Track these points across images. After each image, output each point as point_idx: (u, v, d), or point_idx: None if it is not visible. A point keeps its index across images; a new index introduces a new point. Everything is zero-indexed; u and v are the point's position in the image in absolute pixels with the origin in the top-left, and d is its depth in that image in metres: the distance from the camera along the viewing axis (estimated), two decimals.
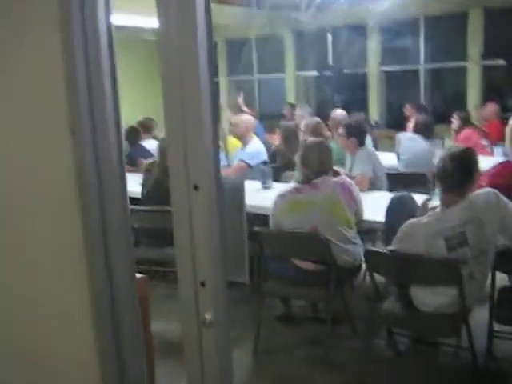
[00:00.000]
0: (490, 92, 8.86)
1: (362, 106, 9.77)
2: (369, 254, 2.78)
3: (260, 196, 4.33)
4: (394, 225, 2.92)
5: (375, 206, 3.64)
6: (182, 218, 1.31)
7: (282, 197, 3.18)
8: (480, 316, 2.90)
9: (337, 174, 3.47)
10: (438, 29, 9.15)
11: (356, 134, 4.38)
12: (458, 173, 2.53)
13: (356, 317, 3.43)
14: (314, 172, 3.18)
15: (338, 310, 3.30)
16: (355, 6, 9.25)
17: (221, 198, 1.27)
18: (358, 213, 3.24)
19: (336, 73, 9.96)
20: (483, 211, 2.51)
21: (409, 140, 5.44)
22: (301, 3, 8.31)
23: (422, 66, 9.49)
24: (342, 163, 4.79)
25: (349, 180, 3.29)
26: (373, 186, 4.28)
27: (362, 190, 4.09)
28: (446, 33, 9.16)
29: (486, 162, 5.56)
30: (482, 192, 2.58)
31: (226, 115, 8.40)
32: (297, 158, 3.37)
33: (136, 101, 11.93)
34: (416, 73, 9.60)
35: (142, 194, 4.35)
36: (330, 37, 10.34)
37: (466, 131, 6.47)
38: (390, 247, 2.68)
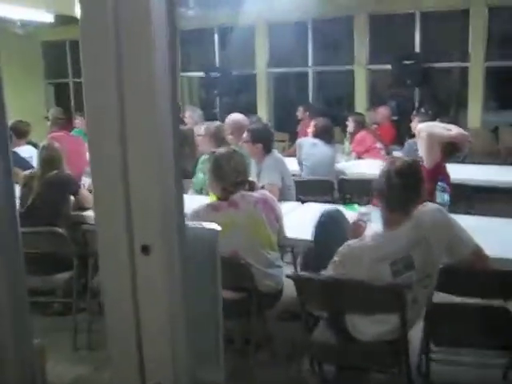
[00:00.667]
0: (377, 95, 9.01)
1: (250, 108, 9.54)
2: (298, 280, 2.43)
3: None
4: (325, 245, 2.61)
5: (292, 219, 3.33)
6: (121, 299, 0.82)
7: (195, 217, 2.76)
8: (414, 337, 2.67)
9: (252, 185, 3.10)
10: (326, 32, 9.15)
11: (263, 139, 4.04)
12: (406, 190, 2.25)
13: (278, 342, 3.10)
14: (232, 185, 2.79)
15: (258, 335, 2.95)
16: (244, 5, 9.01)
17: (183, 262, 0.82)
18: (280, 232, 2.90)
19: (223, 74, 9.64)
20: (430, 231, 2.26)
21: (311, 146, 5.21)
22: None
23: (311, 69, 9.43)
24: None
25: (270, 195, 2.93)
26: (282, 196, 3.96)
27: None
28: (334, 36, 9.20)
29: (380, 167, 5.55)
30: (428, 209, 2.32)
31: None
32: (206, 171, 2.94)
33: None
34: (305, 75, 9.53)
35: (20, 212, 3.70)
36: (216, 36, 10.01)
37: (362, 134, 6.42)
38: (326, 272, 2.35)
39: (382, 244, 2.24)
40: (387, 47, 8.86)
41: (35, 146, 6.38)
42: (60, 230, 3.34)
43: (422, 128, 3.81)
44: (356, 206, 3.68)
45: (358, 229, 2.59)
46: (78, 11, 0.84)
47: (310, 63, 9.40)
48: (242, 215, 2.72)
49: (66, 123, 7.02)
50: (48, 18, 7.91)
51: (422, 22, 8.44)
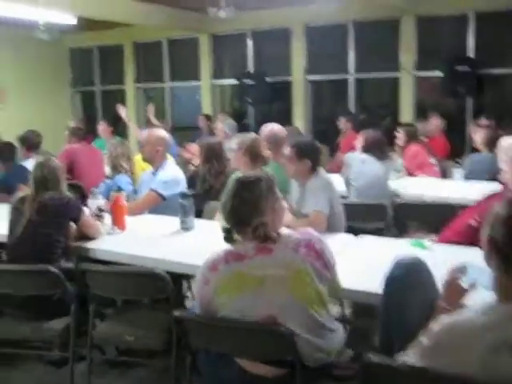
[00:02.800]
0: (425, 105, 8.19)
1: (285, 118, 8.83)
2: (372, 368, 1.65)
3: (178, 243, 3.18)
4: (400, 311, 1.86)
5: (343, 261, 2.58)
6: None
7: (212, 268, 2.02)
8: None
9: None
10: (368, 35, 8.40)
11: (310, 155, 3.29)
12: None
13: None
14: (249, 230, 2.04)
15: None
16: (280, 8, 8.35)
17: None
18: (333, 282, 2.14)
19: (257, 81, 8.96)
20: None
21: (360, 162, 4.45)
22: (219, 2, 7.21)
23: (352, 76, 8.66)
24: (284, 191, 3.71)
25: (317, 235, 2.16)
26: (330, 226, 3.21)
27: None
28: (378, 40, 8.43)
29: (440, 187, 4.77)
30: None
31: (133, 130, 7.12)
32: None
33: (20, 109, 10.47)
34: (344, 82, 8.77)
35: (10, 240, 3.04)
36: (250, 41, 9.34)
37: (413, 148, 5.64)
38: (407, 357, 1.60)
39: (500, 322, 1.47)
40: (436, 52, 8.04)
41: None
42: (53, 269, 2.66)
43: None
44: (425, 242, 2.91)
45: (455, 293, 1.82)
46: None
47: (350, 70, 8.64)
48: (278, 265, 1.97)
49: (85, 134, 6.41)
50: (71, 20, 7.37)
51: (476, 23, 7.63)
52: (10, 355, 2.99)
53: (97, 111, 11.46)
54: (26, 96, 10.56)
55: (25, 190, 4.02)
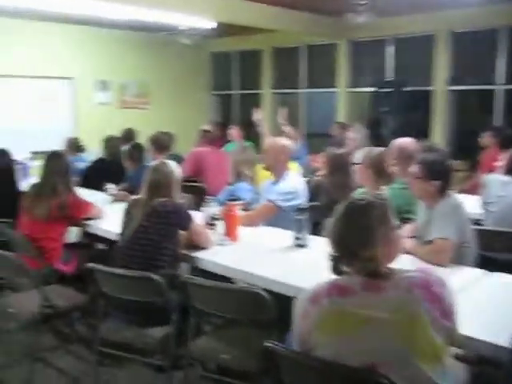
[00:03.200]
0: None
1: (422, 130, 8.33)
2: None
3: (289, 261, 3.00)
4: None
5: (469, 301, 2.25)
6: None
7: (313, 301, 1.80)
8: None
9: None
10: None
11: (440, 176, 2.95)
12: None
13: None
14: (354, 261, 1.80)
15: None
16: (423, 13, 7.90)
17: None
18: (452, 333, 1.82)
19: (395, 90, 8.53)
20: None
21: (500, 185, 3.98)
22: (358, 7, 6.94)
23: (502, 87, 7.95)
24: (408, 211, 3.40)
25: (436, 275, 1.85)
26: (456, 256, 2.85)
27: (440, 264, 2.72)
28: None
29: None
30: None
31: (264, 135, 7.00)
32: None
33: (161, 110, 10.92)
34: (490, 94, 8.07)
35: (120, 242, 3.05)
36: (390, 48, 8.95)
37: None
38: None
39: None
40: None
41: (179, 161, 5.91)
42: (156, 277, 2.61)
43: None
44: None
45: None
46: None
47: (498, 80, 7.93)
48: (386, 306, 1.70)
49: (215, 137, 6.47)
50: (210, 25, 7.53)
51: None
52: (116, 356, 3.00)
53: (233, 115, 11.66)
54: (169, 97, 11.02)
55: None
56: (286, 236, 3.31)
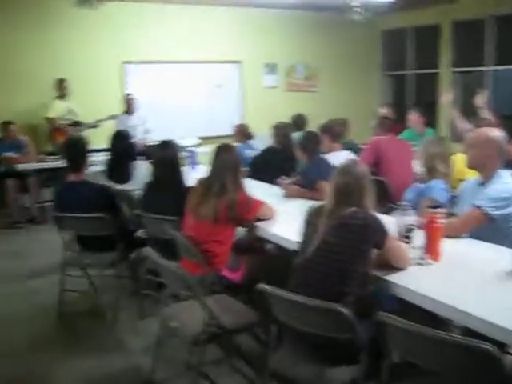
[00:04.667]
0: None
1: None
2: None
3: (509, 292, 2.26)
4: None
5: None
6: None
7: None
8: None
9: None
10: None
11: None
12: None
13: None
14: None
15: None
16: None
17: None
18: None
19: None
20: None
21: None
22: None
23: None
24: None
25: None
26: None
27: None
28: None
29: None
30: None
31: (456, 121, 6.01)
32: None
33: (331, 92, 10.33)
34: None
35: (299, 259, 2.52)
36: None
37: None
38: None
39: None
40: None
41: (356, 150, 5.30)
42: (343, 310, 2.06)
43: None
44: None
45: None
46: None
47: None
48: None
49: (393, 124, 5.74)
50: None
51: None
52: None
53: (407, 97, 10.74)
54: (337, 79, 10.45)
55: (323, 188, 3.58)
56: (501, 254, 2.57)
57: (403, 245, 2.59)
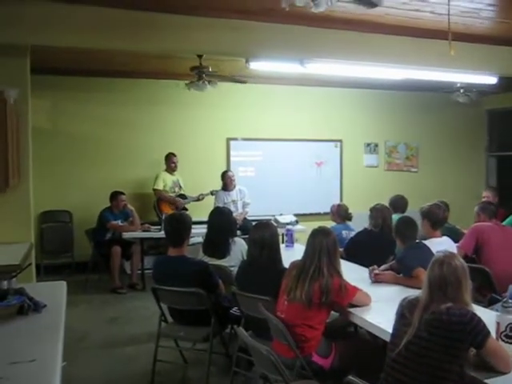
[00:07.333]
0: None
1: None
2: None
3: None
4: None
5: None
6: None
7: None
8: None
9: None
10: None
11: None
12: None
13: None
14: None
15: None
16: None
17: None
18: None
19: None
20: None
21: None
22: None
23: None
24: None
25: None
26: None
27: None
28: None
29: None
30: None
31: None
32: None
33: (433, 172, 10.14)
34: None
35: (391, 350, 2.45)
36: None
37: None
38: None
39: None
40: None
41: (456, 235, 5.11)
42: None
43: None
44: None
45: None
46: None
47: None
48: None
49: (497, 209, 5.52)
50: (491, 80, 6.68)
51: None
52: None
53: None
54: (439, 159, 10.27)
55: (419, 276, 3.46)
56: None
57: (505, 345, 2.46)
